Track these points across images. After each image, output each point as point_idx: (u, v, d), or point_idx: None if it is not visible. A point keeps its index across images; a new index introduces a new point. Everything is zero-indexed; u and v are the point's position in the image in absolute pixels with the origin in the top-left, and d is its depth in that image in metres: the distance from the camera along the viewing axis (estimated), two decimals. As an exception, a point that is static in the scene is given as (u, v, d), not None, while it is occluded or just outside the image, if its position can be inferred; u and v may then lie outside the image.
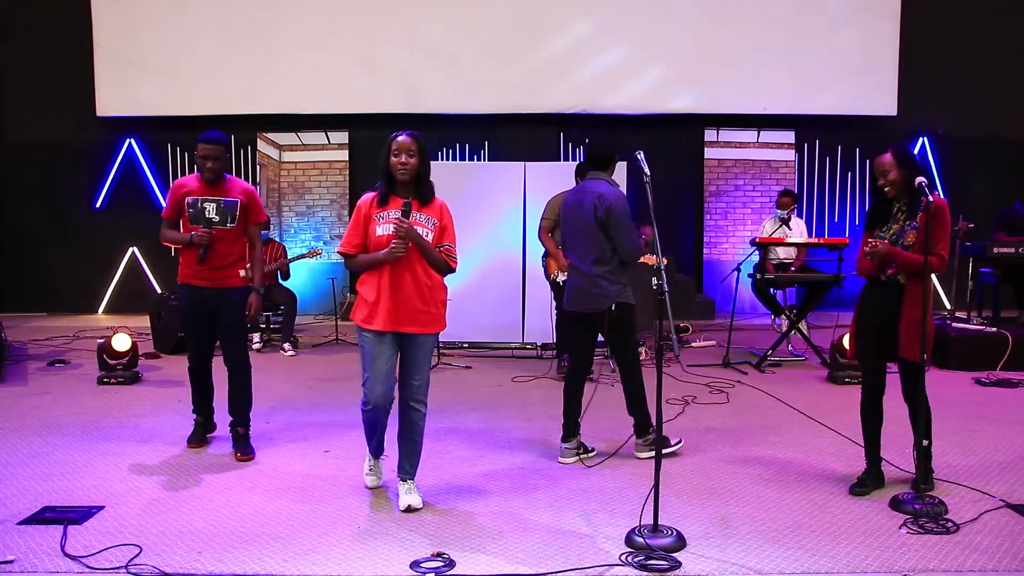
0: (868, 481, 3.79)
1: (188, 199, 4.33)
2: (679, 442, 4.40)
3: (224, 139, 4.36)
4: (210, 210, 4.32)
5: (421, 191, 3.55)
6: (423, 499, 3.62)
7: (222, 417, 4.62)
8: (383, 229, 3.49)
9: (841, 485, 3.85)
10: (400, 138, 3.50)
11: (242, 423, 4.45)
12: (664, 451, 3.94)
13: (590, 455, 4.31)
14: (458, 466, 4.18)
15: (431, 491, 3.77)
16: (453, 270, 3.64)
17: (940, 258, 3.53)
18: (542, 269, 6.48)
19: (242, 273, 4.42)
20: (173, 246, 4.56)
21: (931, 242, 3.49)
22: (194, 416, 4.62)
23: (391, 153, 3.50)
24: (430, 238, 3.53)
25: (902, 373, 3.73)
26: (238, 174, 10.28)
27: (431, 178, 3.62)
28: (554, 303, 6.47)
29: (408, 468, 3.67)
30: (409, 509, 3.54)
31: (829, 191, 10.46)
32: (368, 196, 3.60)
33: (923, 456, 3.64)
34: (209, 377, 4.56)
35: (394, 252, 3.43)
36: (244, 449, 4.37)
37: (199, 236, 4.26)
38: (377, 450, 3.85)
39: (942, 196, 3.59)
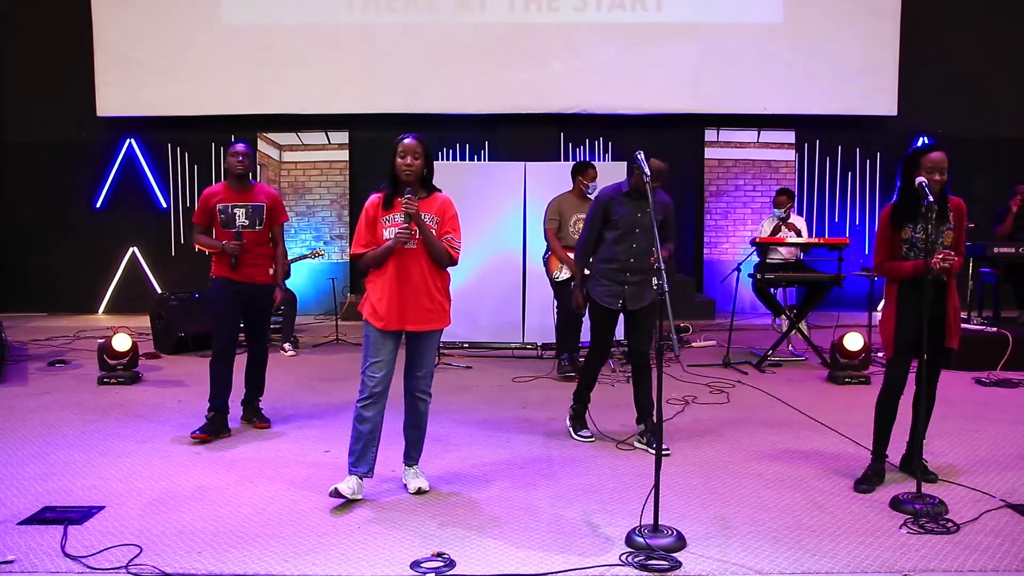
0: (874, 478, 3.83)
1: (219, 206, 4.67)
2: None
3: (245, 143, 4.83)
4: (240, 215, 4.71)
5: (423, 189, 3.63)
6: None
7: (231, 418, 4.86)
8: (389, 232, 3.55)
9: (841, 485, 3.85)
10: (406, 141, 3.57)
11: (259, 396, 4.97)
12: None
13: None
14: (458, 466, 4.18)
15: (431, 490, 3.78)
16: (455, 262, 3.70)
17: (963, 256, 3.79)
18: (543, 267, 6.49)
19: (270, 271, 4.88)
20: (206, 249, 4.86)
21: (961, 242, 3.74)
22: (208, 413, 4.67)
23: (397, 155, 3.57)
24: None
25: (930, 365, 3.77)
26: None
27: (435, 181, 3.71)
28: (555, 302, 6.47)
29: (414, 455, 3.84)
30: (419, 492, 3.72)
31: (829, 191, 10.46)
32: (374, 198, 3.67)
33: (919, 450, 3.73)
34: (232, 364, 4.78)
35: (399, 238, 3.50)
36: (263, 417, 4.93)
37: (231, 247, 4.63)
38: (361, 461, 3.60)
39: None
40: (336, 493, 3.55)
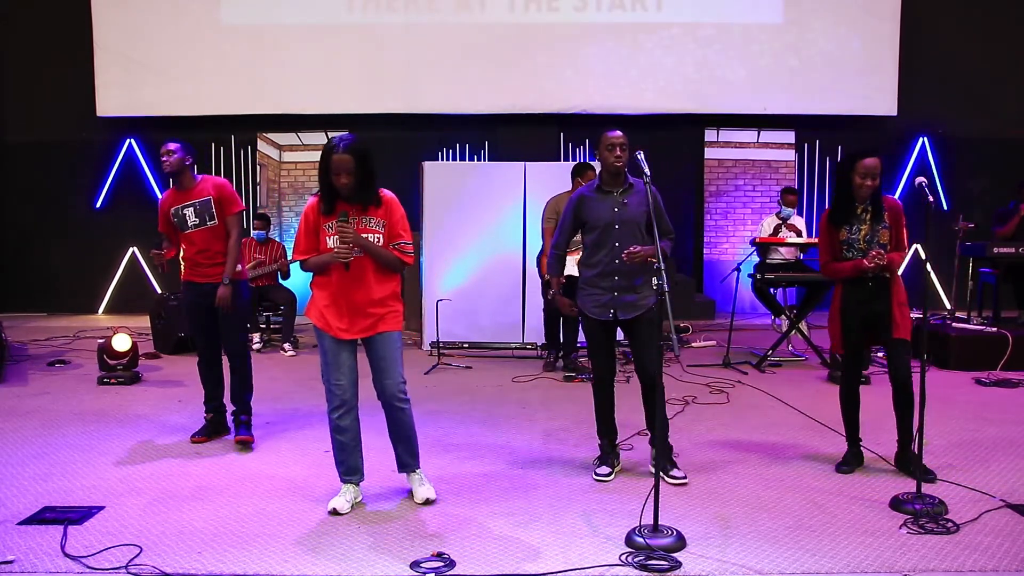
0: (852, 460, 4.10)
1: (171, 210, 4.56)
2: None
3: (180, 142, 4.56)
4: (190, 215, 4.54)
5: (364, 198, 3.42)
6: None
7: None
8: (333, 241, 3.40)
9: (841, 485, 3.85)
10: (335, 156, 3.31)
11: (243, 411, 4.60)
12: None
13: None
14: (458, 466, 4.18)
15: (431, 491, 3.78)
16: (408, 264, 3.59)
17: (905, 251, 4.06)
18: (536, 268, 6.50)
19: (238, 268, 4.62)
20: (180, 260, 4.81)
21: (900, 239, 3.97)
22: (205, 415, 4.70)
23: (331, 172, 3.33)
24: (380, 241, 3.46)
25: (894, 355, 3.99)
26: (238, 174, 10.33)
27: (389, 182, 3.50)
28: (543, 301, 6.50)
29: (410, 461, 3.69)
30: (427, 502, 3.60)
31: (829, 191, 10.45)
32: (312, 201, 3.49)
33: (919, 444, 3.77)
34: (219, 369, 4.72)
35: (337, 257, 3.36)
36: (244, 432, 4.54)
37: (158, 257, 4.68)
38: (351, 471, 3.58)
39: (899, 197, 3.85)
40: (334, 512, 3.47)
